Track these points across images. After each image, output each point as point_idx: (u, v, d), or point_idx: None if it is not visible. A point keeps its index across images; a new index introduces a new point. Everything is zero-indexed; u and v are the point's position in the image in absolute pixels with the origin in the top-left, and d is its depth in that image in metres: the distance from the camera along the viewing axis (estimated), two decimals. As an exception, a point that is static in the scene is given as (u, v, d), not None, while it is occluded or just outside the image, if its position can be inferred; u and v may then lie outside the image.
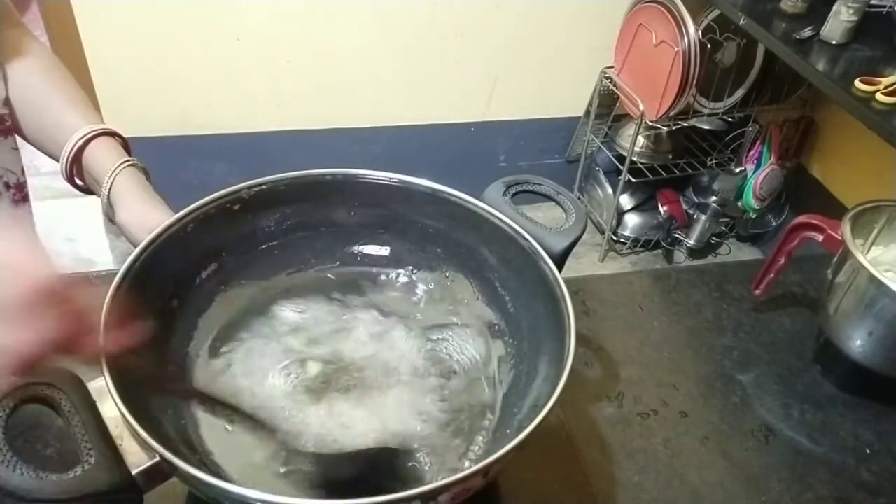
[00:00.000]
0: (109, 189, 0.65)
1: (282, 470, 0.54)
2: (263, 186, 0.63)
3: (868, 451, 0.69)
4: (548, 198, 0.66)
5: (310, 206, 0.66)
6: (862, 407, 0.74)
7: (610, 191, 2.16)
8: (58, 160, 0.68)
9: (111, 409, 0.45)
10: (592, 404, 0.71)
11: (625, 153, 2.02)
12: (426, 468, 0.55)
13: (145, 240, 0.56)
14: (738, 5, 1.63)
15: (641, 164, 2.05)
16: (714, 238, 2.22)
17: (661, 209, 2.16)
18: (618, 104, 2.10)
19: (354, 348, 0.64)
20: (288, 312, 0.66)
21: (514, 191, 0.65)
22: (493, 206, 0.62)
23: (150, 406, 0.51)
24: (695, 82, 1.78)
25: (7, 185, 0.72)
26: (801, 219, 0.77)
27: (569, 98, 2.18)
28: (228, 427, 0.55)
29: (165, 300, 0.59)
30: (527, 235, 0.60)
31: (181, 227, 0.58)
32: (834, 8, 1.45)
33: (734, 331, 0.81)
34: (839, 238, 0.72)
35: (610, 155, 2.16)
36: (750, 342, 0.80)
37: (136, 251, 0.55)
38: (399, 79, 2.04)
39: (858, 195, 0.84)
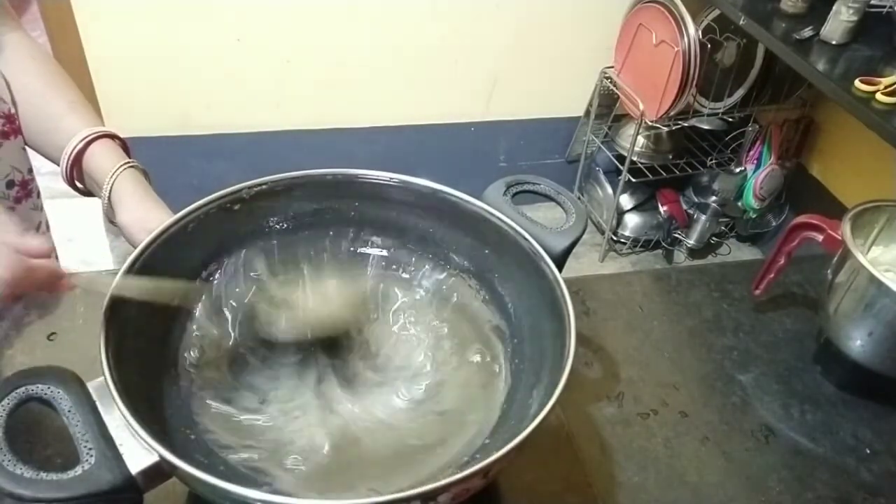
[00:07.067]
0: (110, 191, 0.65)
1: (283, 467, 0.54)
2: (263, 186, 0.63)
3: (868, 451, 0.69)
4: (548, 198, 0.66)
5: (310, 207, 0.66)
6: (862, 407, 0.74)
7: (610, 191, 2.16)
8: (58, 163, 0.68)
9: (111, 409, 0.45)
10: (592, 404, 0.71)
11: (625, 153, 2.02)
12: None
13: (146, 239, 0.56)
14: (738, 5, 1.63)
15: (641, 164, 2.05)
16: (714, 238, 2.22)
17: (661, 209, 2.16)
18: (618, 104, 2.10)
19: (353, 343, 0.65)
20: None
21: (514, 191, 0.65)
22: (493, 206, 0.62)
23: (150, 406, 0.52)
24: (695, 82, 1.78)
25: (11, 183, 0.73)
26: (801, 219, 0.77)
27: (569, 98, 2.18)
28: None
29: (165, 300, 0.59)
30: (527, 235, 0.60)
31: (181, 227, 0.58)
32: (834, 8, 1.45)
33: (734, 331, 0.81)
34: (839, 238, 0.72)
35: (610, 155, 2.16)
36: (750, 342, 0.80)
37: (137, 251, 0.55)
38: (399, 79, 2.04)
39: (858, 195, 0.83)
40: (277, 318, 0.65)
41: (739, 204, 2.15)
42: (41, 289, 0.52)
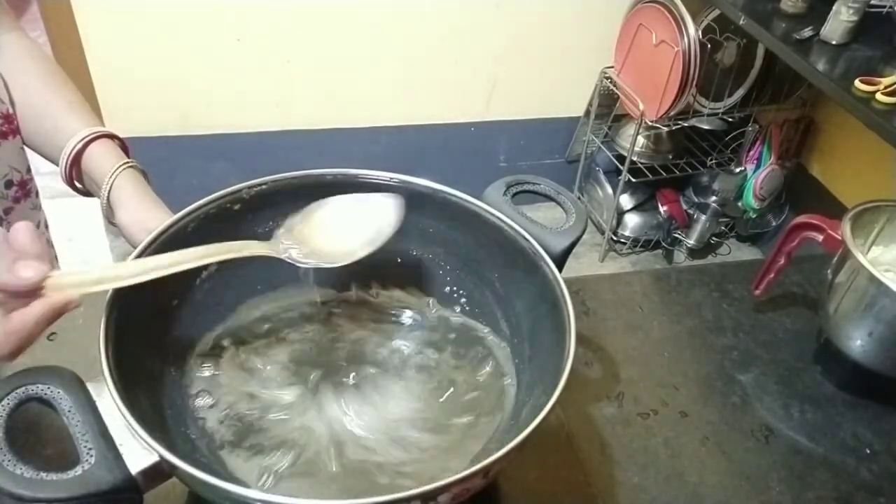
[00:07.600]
0: (109, 191, 0.65)
1: (281, 466, 0.54)
2: (263, 186, 0.63)
3: (868, 451, 0.69)
4: (548, 198, 0.66)
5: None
6: (862, 407, 0.74)
7: (610, 191, 2.16)
8: (56, 163, 0.68)
9: (111, 409, 0.45)
10: (592, 404, 0.71)
11: (625, 153, 2.02)
12: None
13: (146, 239, 0.56)
14: (738, 5, 1.63)
15: (641, 164, 2.05)
16: (714, 238, 2.22)
17: (661, 209, 2.16)
18: (618, 104, 2.10)
19: (354, 346, 0.64)
20: (288, 313, 0.66)
21: (514, 191, 0.65)
22: (493, 206, 0.62)
23: (150, 406, 0.52)
24: (695, 82, 1.78)
25: (10, 183, 0.73)
26: (801, 219, 0.77)
27: (569, 98, 2.18)
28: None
29: (165, 300, 0.59)
30: (527, 235, 0.60)
31: (181, 227, 0.58)
32: (834, 8, 1.45)
33: (734, 331, 0.81)
34: (839, 238, 0.72)
35: (610, 155, 2.16)
36: (750, 342, 0.80)
37: (137, 250, 0.55)
38: (399, 79, 2.04)
39: (858, 195, 0.83)
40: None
41: (739, 204, 2.15)
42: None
